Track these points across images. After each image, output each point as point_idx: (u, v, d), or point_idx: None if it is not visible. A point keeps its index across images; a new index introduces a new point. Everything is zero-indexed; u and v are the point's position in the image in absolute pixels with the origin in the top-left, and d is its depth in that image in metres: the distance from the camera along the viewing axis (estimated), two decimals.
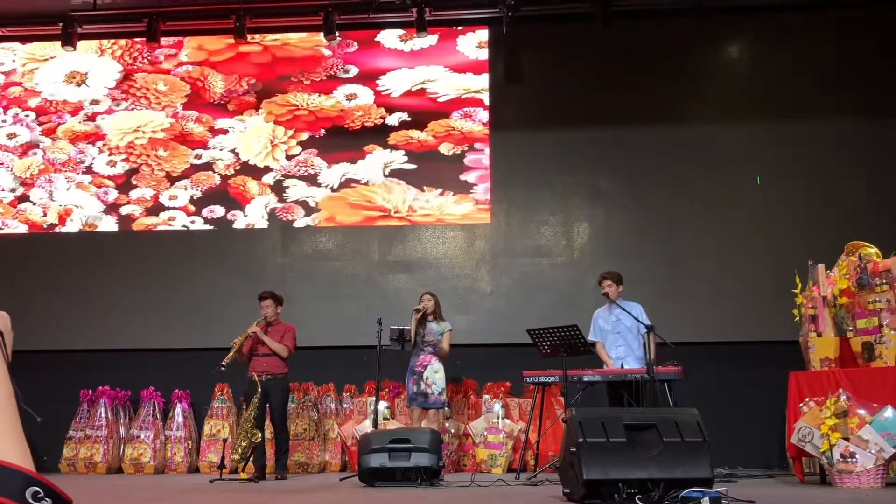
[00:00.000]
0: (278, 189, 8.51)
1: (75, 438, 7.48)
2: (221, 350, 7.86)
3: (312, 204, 8.45)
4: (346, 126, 8.60)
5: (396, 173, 8.46)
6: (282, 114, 8.69)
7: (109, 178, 8.65)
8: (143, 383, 7.72)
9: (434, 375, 6.52)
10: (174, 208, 8.55)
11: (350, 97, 8.68)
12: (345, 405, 7.66)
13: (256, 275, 8.25)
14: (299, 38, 8.76)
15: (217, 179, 8.57)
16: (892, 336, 5.14)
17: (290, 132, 8.64)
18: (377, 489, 5.26)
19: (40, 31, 8.83)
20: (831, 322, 5.54)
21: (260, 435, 6.34)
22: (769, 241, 7.82)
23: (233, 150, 8.63)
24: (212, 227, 8.45)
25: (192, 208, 8.53)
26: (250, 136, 8.70)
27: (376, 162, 8.47)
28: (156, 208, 8.55)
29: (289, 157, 8.58)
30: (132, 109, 8.80)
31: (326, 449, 7.48)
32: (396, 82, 8.65)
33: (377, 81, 8.66)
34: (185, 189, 8.57)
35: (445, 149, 8.45)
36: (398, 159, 8.46)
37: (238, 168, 8.58)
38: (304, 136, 8.62)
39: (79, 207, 8.59)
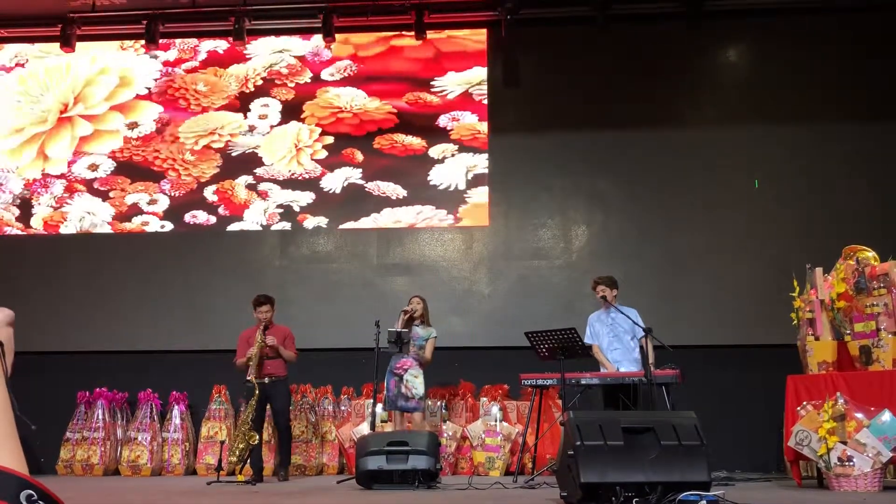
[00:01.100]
0: (277, 193, 8.51)
1: (72, 440, 7.46)
2: (220, 352, 7.88)
3: (295, 209, 8.47)
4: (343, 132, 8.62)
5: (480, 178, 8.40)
6: (324, 115, 8.67)
7: (113, 180, 8.65)
8: (140, 385, 7.71)
9: (414, 380, 6.51)
10: (149, 213, 8.54)
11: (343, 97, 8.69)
12: (342, 407, 7.66)
13: (254, 277, 8.25)
14: (469, 32, 8.58)
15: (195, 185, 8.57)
16: (890, 340, 5.14)
17: (316, 135, 8.60)
18: (374, 492, 5.26)
19: (39, 33, 8.84)
20: (829, 326, 5.55)
21: (257, 437, 6.33)
22: (767, 244, 7.83)
23: (256, 153, 8.61)
24: (210, 230, 8.44)
25: (167, 213, 8.53)
26: (275, 140, 8.65)
27: (459, 166, 8.44)
28: (131, 212, 8.54)
29: (315, 161, 8.53)
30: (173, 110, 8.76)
31: (324, 451, 7.47)
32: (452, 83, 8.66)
33: (433, 83, 8.64)
34: (165, 192, 8.58)
35: (435, 152, 8.46)
36: (481, 163, 8.42)
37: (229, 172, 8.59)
38: (330, 139, 8.58)
39: (91, 214, 8.55)
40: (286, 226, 8.42)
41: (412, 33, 8.39)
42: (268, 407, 6.60)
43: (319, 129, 8.61)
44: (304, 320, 7.43)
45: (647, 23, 8.47)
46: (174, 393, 7.67)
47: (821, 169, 8.00)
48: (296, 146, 8.59)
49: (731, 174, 8.13)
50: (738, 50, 8.54)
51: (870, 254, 5.50)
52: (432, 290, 7.49)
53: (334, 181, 8.47)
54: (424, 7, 8.31)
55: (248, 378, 6.36)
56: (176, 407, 7.62)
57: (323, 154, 8.54)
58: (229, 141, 8.64)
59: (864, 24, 8.24)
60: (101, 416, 7.50)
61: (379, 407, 7.08)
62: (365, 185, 8.44)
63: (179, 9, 8.55)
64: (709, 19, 8.23)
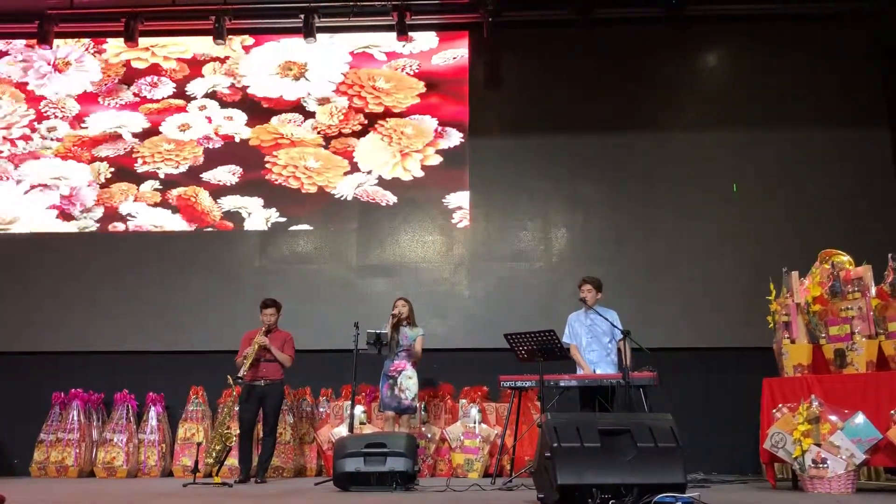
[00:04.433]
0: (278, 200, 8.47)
1: (46, 442, 7.37)
2: (197, 353, 7.85)
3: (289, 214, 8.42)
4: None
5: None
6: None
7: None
8: (116, 386, 7.64)
9: (407, 381, 6.54)
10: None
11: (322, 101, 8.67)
12: (321, 409, 7.63)
13: (233, 277, 8.21)
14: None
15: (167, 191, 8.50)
16: (864, 343, 5.20)
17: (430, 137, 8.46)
18: (352, 493, 5.23)
19: (15, 29, 8.74)
20: (804, 329, 5.60)
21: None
22: (745, 248, 7.90)
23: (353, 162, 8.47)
24: (189, 229, 8.38)
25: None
26: (375, 145, 8.52)
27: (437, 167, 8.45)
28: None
29: (424, 168, 8.42)
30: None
31: (302, 453, 7.44)
32: None
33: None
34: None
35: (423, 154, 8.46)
36: (462, 165, 8.40)
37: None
38: (442, 143, 8.45)
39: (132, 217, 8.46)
40: (266, 226, 8.37)
41: (394, 34, 8.40)
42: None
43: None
44: (282, 321, 7.37)
45: (628, 27, 8.52)
46: (151, 394, 7.61)
47: (798, 173, 8.09)
48: (401, 152, 8.45)
49: (711, 178, 8.20)
50: (719, 55, 8.61)
51: (845, 258, 5.56)
52: (412, 291, 7.48)
53: (346, 187, 8.44)
54: (406, 8, 8.31)
55: (239, 375, 6.35)
56: (152, 408, 7.55)
57: (437, 160, 8.44)
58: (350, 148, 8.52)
59: (841, 32, 8.35)
60: (76, 418, 7.42)
61: (358, 408, 7.06)
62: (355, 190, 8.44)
63: (159, 7, 8.49)
64: (690, 24, 8.30)
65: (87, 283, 8.21)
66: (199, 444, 6.74)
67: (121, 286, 8.18)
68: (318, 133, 8.52)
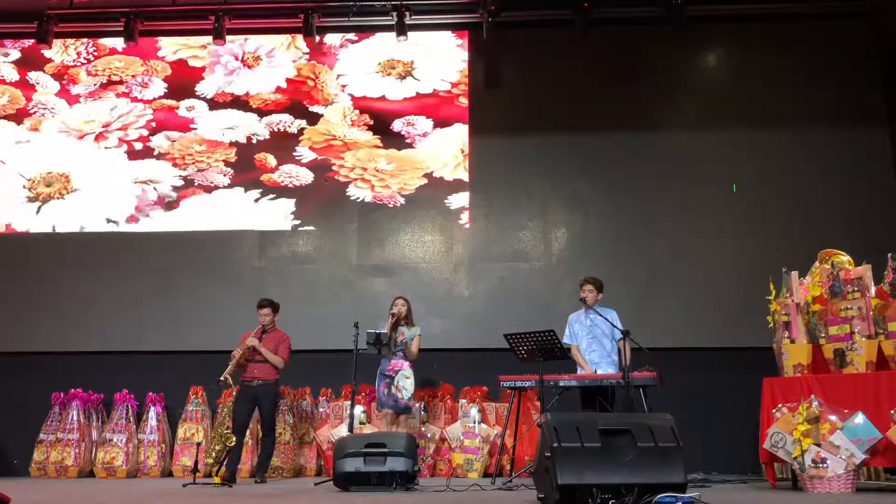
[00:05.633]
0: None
1: (46, 442, 7.37)
2: (197, 353, 7.84)
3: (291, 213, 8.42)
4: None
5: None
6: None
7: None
8: (116, 386, 7.64)
9: (405, 381, 6.54)
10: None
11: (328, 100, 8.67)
12: (321, 409, 7.63)
13: (233, 277, 8.21)
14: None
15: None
16: (863, 343, 5.20)
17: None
18: (352, 494, 5.22)
19: (17, 29, 8.74)
20: (804, 329, 5.60)
21: (234, 439, 6.28)
22: (745, 248, 7.90)
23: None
24: (187, 230, 8.37)
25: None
26: (436, 146, 8.44)
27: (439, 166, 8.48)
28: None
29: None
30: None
31: (302, 453, 7.44)
32: None
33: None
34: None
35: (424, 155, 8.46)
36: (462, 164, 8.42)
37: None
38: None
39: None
40: (267, 226, 8.37)
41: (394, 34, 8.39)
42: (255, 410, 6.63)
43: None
44: (283, 321, 7.38)
45: (627, 27, 8.52)
46: (150, 394, 7.60)
47: (798, 173, 8.09)
48: (462, 152, 8.39)
49: (711, 177, 8.20)
50: (718, 54, 8.62)
51: (844, 258, 5.56)
52: (412, 291, 7.49)
53: (358, 190, 8.42)
54: (406, 8, 8.31)
55: (220, 378, 6.32)
56: (152, 408, 7.55)
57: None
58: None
59: (841, 31, 8.35)
60: (75, 418, 7.42)
61: (358, 408, 7.06)
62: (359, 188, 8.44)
63: (159, 7, 8.49)
64: (689, 24, 8.30)
65: (88, 284, 8.20)
66: (198, 445, 6.74)
67: (121, 286, 8.18)
68: (375, 134, 8.47)
